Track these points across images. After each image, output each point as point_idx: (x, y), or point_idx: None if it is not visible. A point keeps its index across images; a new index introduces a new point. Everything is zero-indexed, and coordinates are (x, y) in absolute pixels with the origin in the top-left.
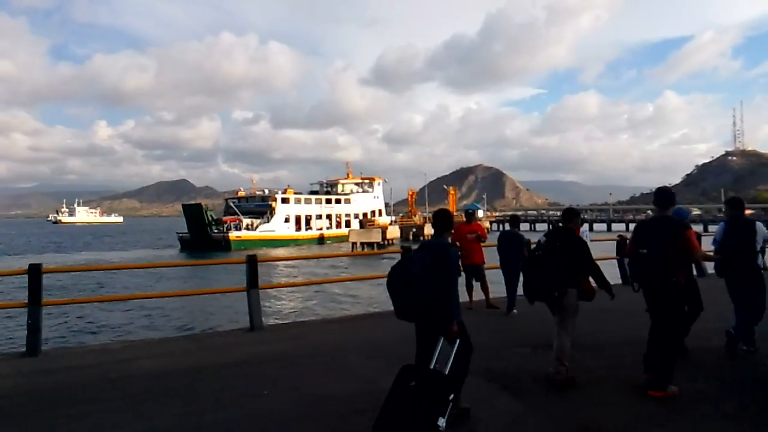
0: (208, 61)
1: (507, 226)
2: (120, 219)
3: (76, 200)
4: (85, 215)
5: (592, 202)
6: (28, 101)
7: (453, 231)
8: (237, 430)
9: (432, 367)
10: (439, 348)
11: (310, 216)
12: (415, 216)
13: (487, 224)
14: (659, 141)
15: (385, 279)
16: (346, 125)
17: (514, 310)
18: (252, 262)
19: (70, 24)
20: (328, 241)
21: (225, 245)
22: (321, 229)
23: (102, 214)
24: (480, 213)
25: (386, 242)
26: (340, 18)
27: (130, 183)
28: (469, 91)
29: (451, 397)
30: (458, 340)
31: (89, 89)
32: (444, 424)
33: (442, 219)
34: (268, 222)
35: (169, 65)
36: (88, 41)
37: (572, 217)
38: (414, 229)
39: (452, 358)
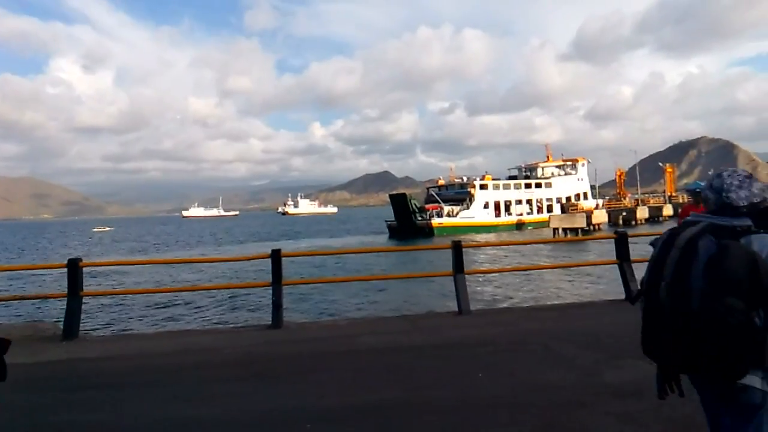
0: (406, 57)
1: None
2: (335, 209)
3: (299, 194)
4: (306, 207)
5: None
6: (261, 110)
7: (680, 214)
8: (461, 409)
9: None
10: None
11: (510, 201)
12: (624, 198)
13: None
14: None
15: (594, 267)
16: (543, 105)
17: None
18: (457, 248)
19: (290, 39)
20: (529, 227)
21: (428, 232)
22: (521, 214)
23: (320, 205)
24: None
25: (592, 227)
26: None
27: (341, 176)
28: (687, 54)
29: None
30: None
31: (306, 95)
32: None
33: None
34: (467, 208)
35: (372, 65)
36: (304, 52)
37: None
38: (624, 213)
39: None
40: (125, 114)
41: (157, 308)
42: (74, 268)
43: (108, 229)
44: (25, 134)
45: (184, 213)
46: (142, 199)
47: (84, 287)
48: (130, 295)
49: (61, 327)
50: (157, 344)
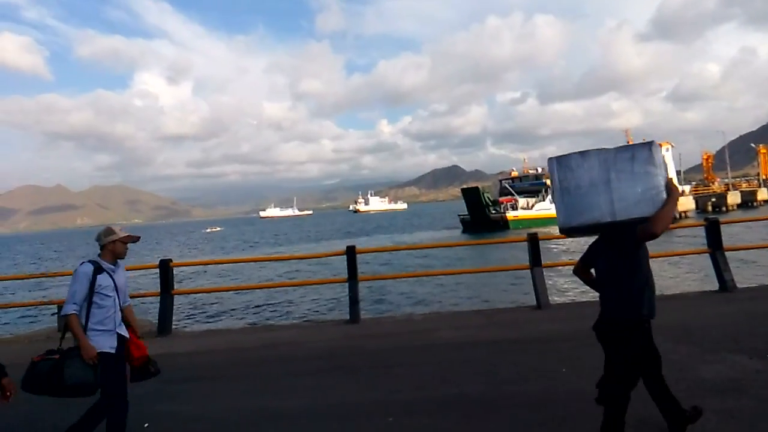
0: (475, 48)
1: None
2: (405, 206)
3: (369, 191)
4: (377, 204)
5: None
6: (331, 111)
7: None
8: (547, 403)
9: None
10: None
11: None
12: (713, 183)
13: None
14: None
15: (682, 256)
16: (621, 89)
17: None
18: (533, 241)
19: (359, 39)
20: None
21: (503, 225)
22: None
23: (390, 202)
24: None
25: (678, 215)
26: None
27: (410, 172)
28: None
29: None
30: None
31: (374, 93)
32: None
33: None
34: (543, 200)
35: (439, 59)
36: (372, 51)
37: None
38: (713, 199)
39: None
40: (205, 121)
41: (243, 305)
42: (165, 268)
43: (218, 229)
44: (117, 145)
45: (262, 213)
46: (222, 201)
47: (176, 285)
48: (218, 293)
49: (156, 323)
50: (244, 339)
